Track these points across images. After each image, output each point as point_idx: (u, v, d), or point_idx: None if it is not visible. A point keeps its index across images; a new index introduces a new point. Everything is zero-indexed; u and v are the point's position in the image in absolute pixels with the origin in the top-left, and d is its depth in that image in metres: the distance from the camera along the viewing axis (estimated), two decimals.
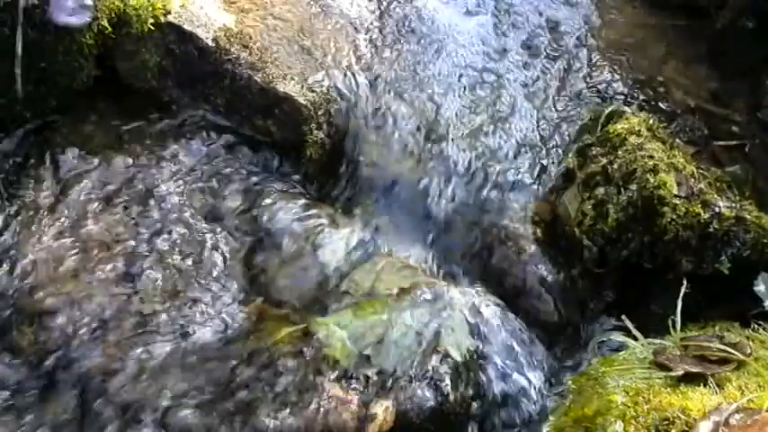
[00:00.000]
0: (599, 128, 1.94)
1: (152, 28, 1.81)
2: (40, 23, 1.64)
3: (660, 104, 2.25)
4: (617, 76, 2.33)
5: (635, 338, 1.61)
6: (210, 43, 1.89)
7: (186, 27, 1.87)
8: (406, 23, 2.37)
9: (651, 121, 1.89)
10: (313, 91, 1.99)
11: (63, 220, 1.70)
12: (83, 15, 1.65)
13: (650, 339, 1.59)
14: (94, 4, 1.67)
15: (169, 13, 1.84)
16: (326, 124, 2.00)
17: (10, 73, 1.67)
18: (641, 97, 2.21)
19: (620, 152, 1.81)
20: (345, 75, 2.09)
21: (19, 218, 1.69)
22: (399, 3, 2.41)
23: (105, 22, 1.72)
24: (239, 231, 1.86)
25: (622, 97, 2.21)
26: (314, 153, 1.98)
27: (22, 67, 1.67)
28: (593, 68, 2.35)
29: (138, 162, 1.86)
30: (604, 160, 1.84)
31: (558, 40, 2.48)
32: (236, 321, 1.66)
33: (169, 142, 1.93)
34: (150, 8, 1.79)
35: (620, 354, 1.61)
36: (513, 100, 2.25)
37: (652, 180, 1.73)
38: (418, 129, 2.10)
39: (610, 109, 1.98)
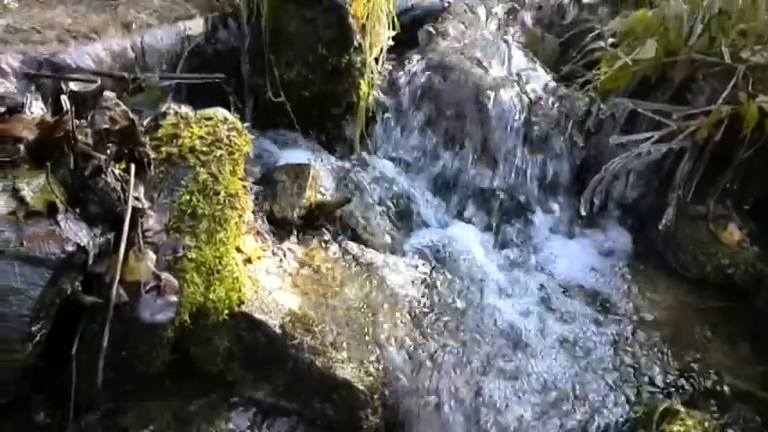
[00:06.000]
0: (654, 426, 1.95)
1: (227, 318, 1.94)
2: (128, 319, 1.77)
3: (709, 391, 2.27)
4: (662, 360, 2.37)
5: None
6: (278, 330, 2.00)
7: (257, 316, 1.99)
8: (457, 299, 2.50)
9: (707, 424, 1.90)
10: (370, 375, 2.06)
11: None
12: (168, 312, 1.78)
13: None
14: (179, 300, 1.81)
15: (243, 303, 1.98)
16: (382, 407, 2.05)
17: (93, 364, 1.76)
18: (691, 386, 2.24)
19: None
20: (400, 354, 2.18)
21: None
22: (450, 280, 2.57)
23: (186, 316, 1.85)
24: None
25: (670, 385, 2.24)
26: None
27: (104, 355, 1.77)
28: (637, 351, 2.40)
29: None
30: None
31: (598, 320, 2.56)
32: None
33: (228, 423, 1.98)
34: (227, 300, 1.94)
35: None
36: (554, 381, 2.29)
37: None
38: (471, 408, 2.14)
39: (663, 406, 2.00)
